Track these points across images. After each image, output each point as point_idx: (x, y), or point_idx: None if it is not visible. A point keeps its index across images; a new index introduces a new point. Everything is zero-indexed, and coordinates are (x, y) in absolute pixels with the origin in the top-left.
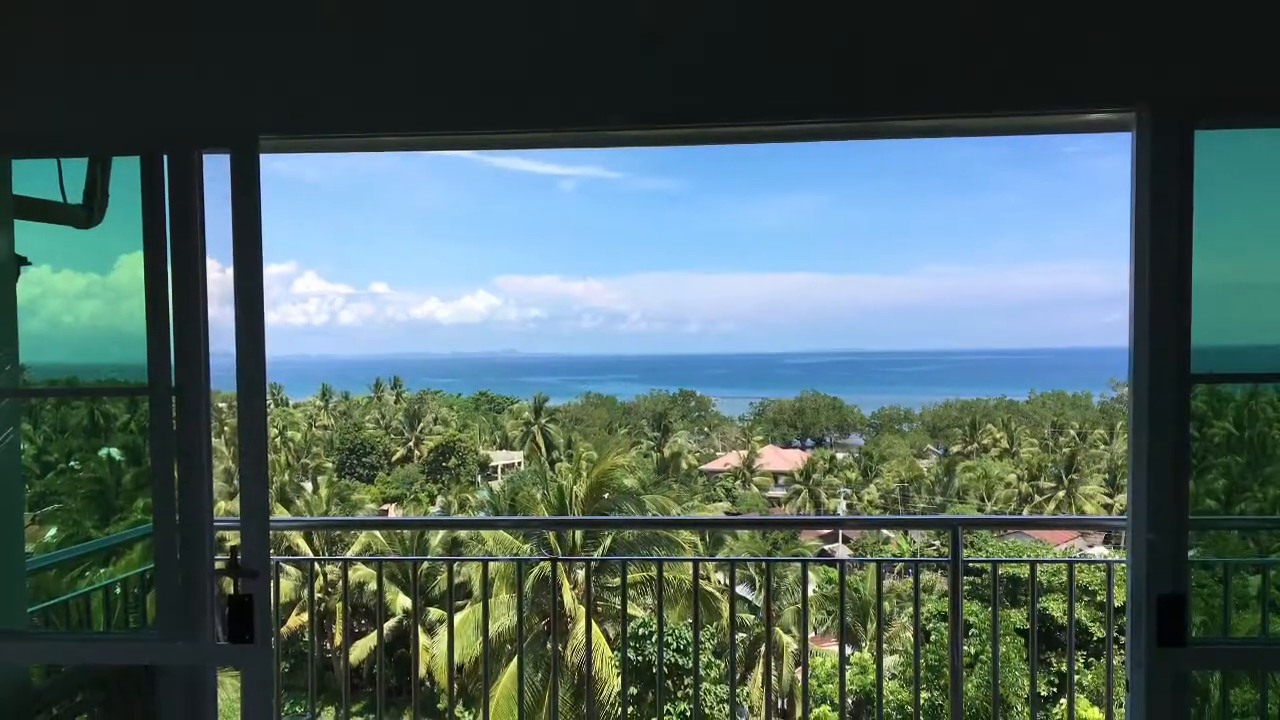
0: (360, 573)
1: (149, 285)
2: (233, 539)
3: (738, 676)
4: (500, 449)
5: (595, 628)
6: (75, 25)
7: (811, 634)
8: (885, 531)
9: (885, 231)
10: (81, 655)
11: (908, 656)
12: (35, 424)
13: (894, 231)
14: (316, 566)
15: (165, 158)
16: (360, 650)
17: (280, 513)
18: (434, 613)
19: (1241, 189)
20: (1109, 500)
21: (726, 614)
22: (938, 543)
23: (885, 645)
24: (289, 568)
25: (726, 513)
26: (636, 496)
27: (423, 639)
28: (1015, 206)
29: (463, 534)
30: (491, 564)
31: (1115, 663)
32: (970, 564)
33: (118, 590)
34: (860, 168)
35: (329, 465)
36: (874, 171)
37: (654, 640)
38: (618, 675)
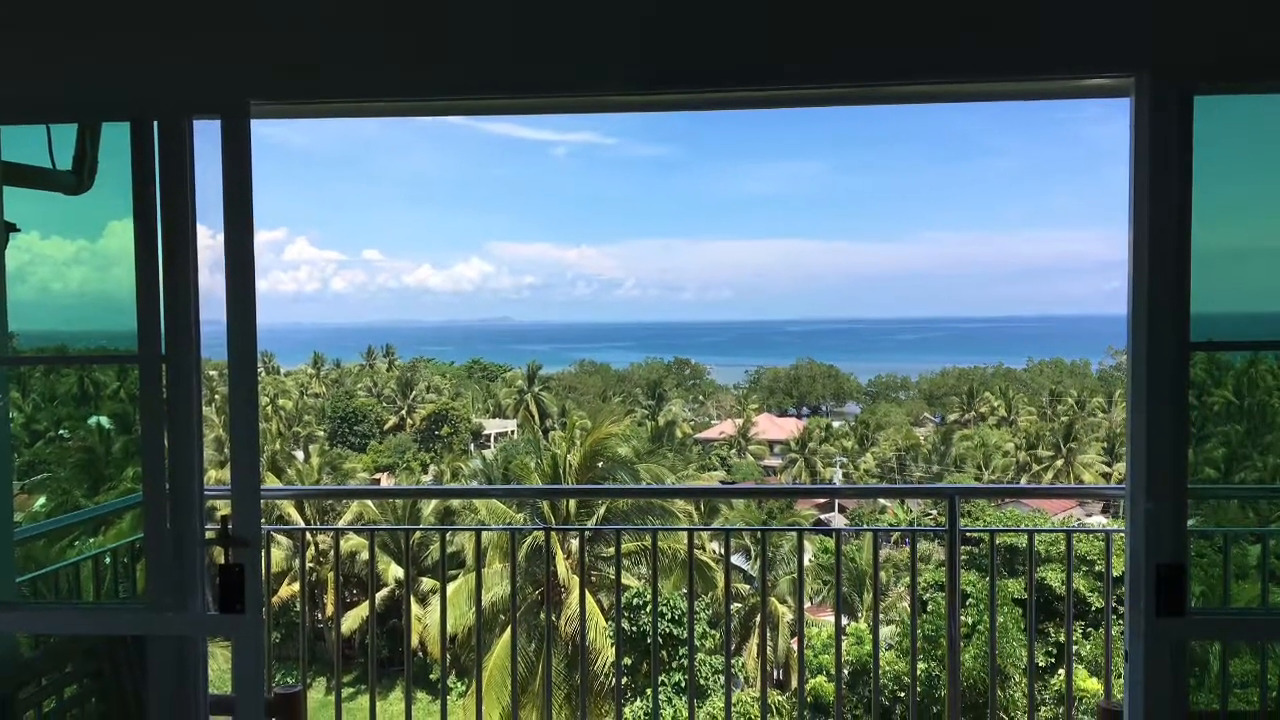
0: (352, 542)
1: (139, 252)
2: (223, 508)
3: (733, 647)
4: (493, 417)
5: (589, 598)
6: None
7: (807, 604)
8: (882, 501)
9: (883, 198)
10: (71, 625)
11: (904, 627)
12: (24, 392)
13: (891, 198)
14: (308, 536)
15: (155, 124)
16: (352, 620)
17: (271, 482)
18: (426, 583)
19: (1242, 154)
20: (1107, 469)
21: (721, 584)
22: (935, 512)
23: (882, 615)
24: (280, 537)
25: (721, 482)
26: (631, 465)
27: (415, 609)
28: (1013, 172)
29: (455, 503)
30: (484, 533)
31: (1114, 633)
32: (967, 533)
33: (107, 560)
34: (858, 134)
35: (320, 434)
36: (871, 137)
37: (648, 610)
38: (612, 646)
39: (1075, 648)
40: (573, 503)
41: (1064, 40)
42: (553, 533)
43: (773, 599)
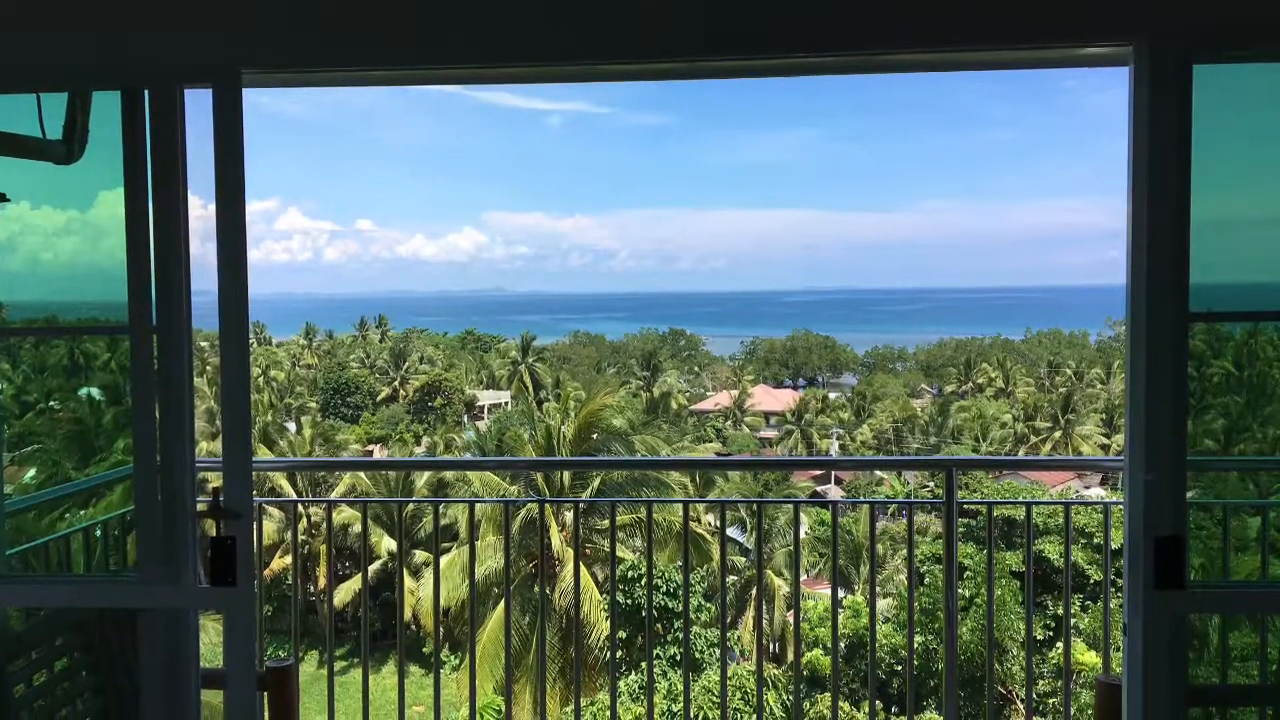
0: (344, 514)
1: (129, 222)
2: (215, 480)
3: (728, 620)
4: (487, 388)
5: (584, 570)
6: None
7: (804, 577)
8: (879, 473)
9: (880, 167)
10: (61, 598)
11: (901, 600)
12: (14, 363)
13: (889, 167)
14: (300, 508)
15: (146, 93)
16: (344, 593)
17: (263, 453)
18: (419, 555)
19: (1241, 124)
20: (1106, 441)
21: (717, 556)
22: (932, 484)
23: (879, 588)
24: (272, 509)
25: (717, 453)
26: (625, 437)
27: (408, 582)
28: (1012, 142)
29: (449, 475)
30: (478, 505)
31: (1113, 606)
32: (965, 505)
33: (98, 532)
34: (855, 103)
35: (313, 405)
36: (869, 106)
37: (643, 583)
38: (606, 619)
39: (1074, 621)
40: (567, 475)
41: (1061, 8)
42: (547, 505)
43: (769, 571)
